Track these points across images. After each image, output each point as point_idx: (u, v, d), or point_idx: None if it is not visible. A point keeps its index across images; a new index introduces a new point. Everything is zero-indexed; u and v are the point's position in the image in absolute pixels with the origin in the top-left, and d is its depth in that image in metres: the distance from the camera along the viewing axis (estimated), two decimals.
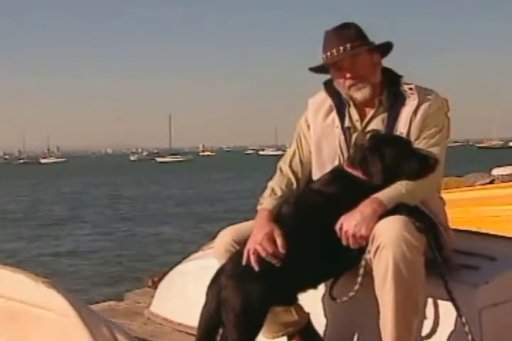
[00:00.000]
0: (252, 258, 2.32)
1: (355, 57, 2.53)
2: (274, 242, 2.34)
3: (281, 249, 2.33)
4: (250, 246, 2.36)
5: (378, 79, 2.59)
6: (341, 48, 2.52)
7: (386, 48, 2.61)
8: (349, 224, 2.30)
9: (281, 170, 2.69)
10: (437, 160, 2.45)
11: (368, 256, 2.32)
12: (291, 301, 2.55)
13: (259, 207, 2.56)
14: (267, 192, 2.61)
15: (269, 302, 2.32)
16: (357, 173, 2.44)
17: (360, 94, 2.56)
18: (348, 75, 2.54)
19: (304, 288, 2.45)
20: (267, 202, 2.55)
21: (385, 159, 2.40)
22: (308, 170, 2.69)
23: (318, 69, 2.65)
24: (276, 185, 2.63)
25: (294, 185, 2.64)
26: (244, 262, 2.33)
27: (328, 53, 2.54)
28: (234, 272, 2.29)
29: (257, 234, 2.38)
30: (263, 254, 2.31)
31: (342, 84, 2.58)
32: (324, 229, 2.35)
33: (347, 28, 2.56)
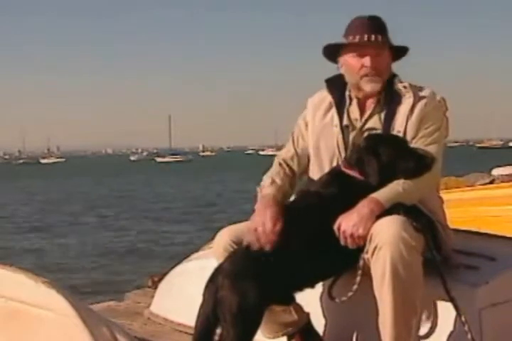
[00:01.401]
0: (254, 237, 2.34)
1: (382, 49, 2.55)
2: (275, 223, 2.36)
3: (278, 229, 2.35)
4: (253, 225, 2.38)
5: (387, 78, 2.59)
6: (373, 36, 2.52)
7: (400, 53, 2.63)
8: (347, 224, 2.30)
9: (278, 163, 2.70)
10: (434, 159, 2.44)
11: (365, 255, 2.32)
12: (289, 300, 2.55)
13: (260, 195, 2.56)
14: (267, 182, 2.61)
15: (266, 302, 2.32)
16: (354, 174, 2.44)
17: (370, 86, 2.55)
18: (368, 63, 2.53)
19: (301, 288, 2.45)
20: (269, 190, 2.56)
21: (381, 159, 2.40)
22: (303, 167, 2.70)
23: (333, 50, 2.62)
24: (275, 175, 2.64)
25: (291, 177, 2.65)
26: (245, 242, 2.35)
27: (358, 36, 2.53)
28: (231, 271, 2.29)
29: (261, 214, 2.40)
30: (262, 235, 2.33)
31: (356, 71, 2.56)
32: (322, 230, 2.35)
33: (380, 21, 2.59)
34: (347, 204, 2.35)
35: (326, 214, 2.37)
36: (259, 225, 2.36)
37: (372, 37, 2.52)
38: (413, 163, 2.41)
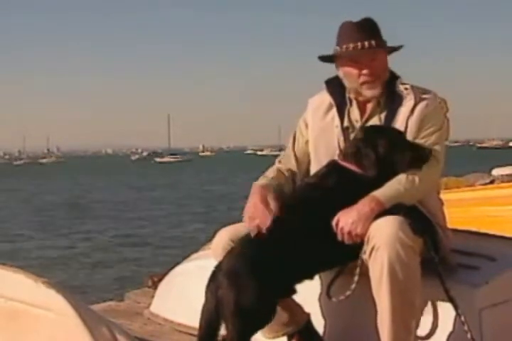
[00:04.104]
0: (249, 223, 2.37)
1: (376, 54, 2.52)
2: (267, 205, 2.39)
3: (273, 209, 2.37)
4: (246, 210, 2.42)
5: (386, 80, 2.57)
6: (366, 43, 2.49)
7: (393, 50, 2.61)
8: (346, 221, 2.30)
9: (275, 165, 2.70)
10: (431, 150, 2.44)
11: (364, 256, 2.32)
12: (289, 293, 2.53)
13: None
14: (260, 178, 2.64)
15: (266, 297, 2.32)
16: (351, 167, 2.44)
17: (371, 92, 2.54)
18: (366, 71, 2.51)
19: (300, 279, 2.43)
20: (260, 181, 2.59)
21: (379, 151, 2.40)
22: (304, 168, 2.69)
23: (328, 58, 2.61)
24: (269, 172, 2.67)
25: (287, 176, 2.66)
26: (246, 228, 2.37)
27: (351, 45, 2.50)
28: (229, 269, 2.29)
29: (251, 199, 2.44)
30: (254, 218, 2.35)
31: (354, 78, 2.54)
32: (319, 222, 2.35)
33: (370, 24, 2.54)
34: (344, 196, 2.35)
35: (324, 205, 2.38)
36: (251, 208, 2.39)
37: (366, 44, 2.49)
38: (410, 153, 2.40)
